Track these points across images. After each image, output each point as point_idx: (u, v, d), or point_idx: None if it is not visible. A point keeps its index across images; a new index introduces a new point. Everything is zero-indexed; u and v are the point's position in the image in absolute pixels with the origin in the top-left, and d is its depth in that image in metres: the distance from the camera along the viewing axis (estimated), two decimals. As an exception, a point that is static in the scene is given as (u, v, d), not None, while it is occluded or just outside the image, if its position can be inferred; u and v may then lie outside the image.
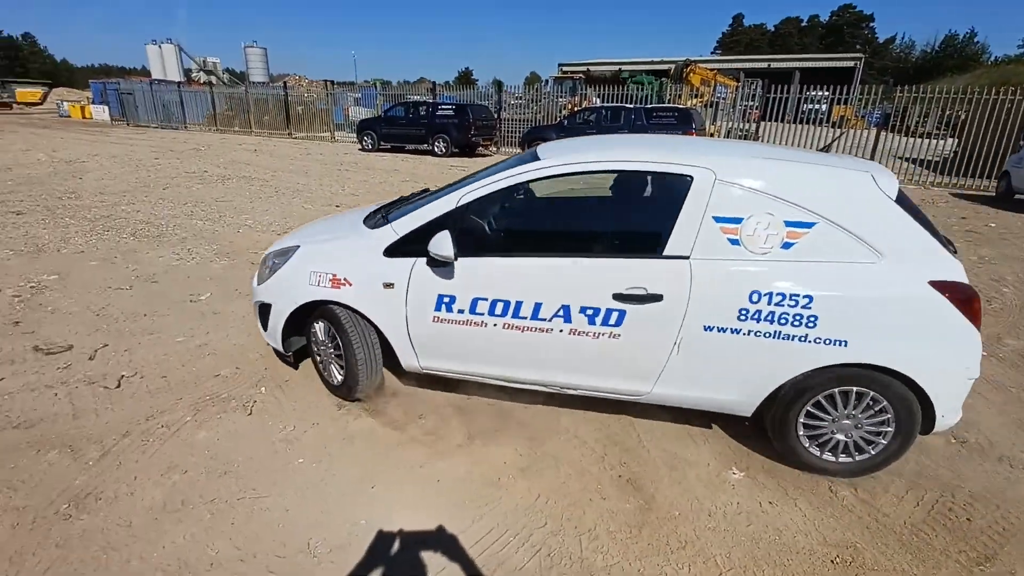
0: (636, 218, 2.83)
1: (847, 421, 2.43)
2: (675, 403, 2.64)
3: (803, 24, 78.76)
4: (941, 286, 2.21)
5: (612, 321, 2.45)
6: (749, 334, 2.34)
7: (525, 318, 2.55)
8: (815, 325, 2.27)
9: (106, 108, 30.08)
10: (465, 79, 67.97)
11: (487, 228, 2.87)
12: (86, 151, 15.37)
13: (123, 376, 3.27)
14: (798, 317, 2.28)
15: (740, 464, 2.63)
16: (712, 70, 19.77)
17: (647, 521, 2.25)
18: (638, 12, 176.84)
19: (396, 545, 2.10)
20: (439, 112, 16.57)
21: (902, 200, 2.34)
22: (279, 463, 2.54)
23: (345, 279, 2.78)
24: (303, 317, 3.00)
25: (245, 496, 2.32)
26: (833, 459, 2.51)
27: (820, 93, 14.32)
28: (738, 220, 2.32)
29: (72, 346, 3.66)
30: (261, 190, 9.89)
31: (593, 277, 2.47)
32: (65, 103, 33.10)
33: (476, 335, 2.65)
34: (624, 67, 25.77)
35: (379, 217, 3.05)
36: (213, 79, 51.15)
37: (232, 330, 3.96)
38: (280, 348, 3.12)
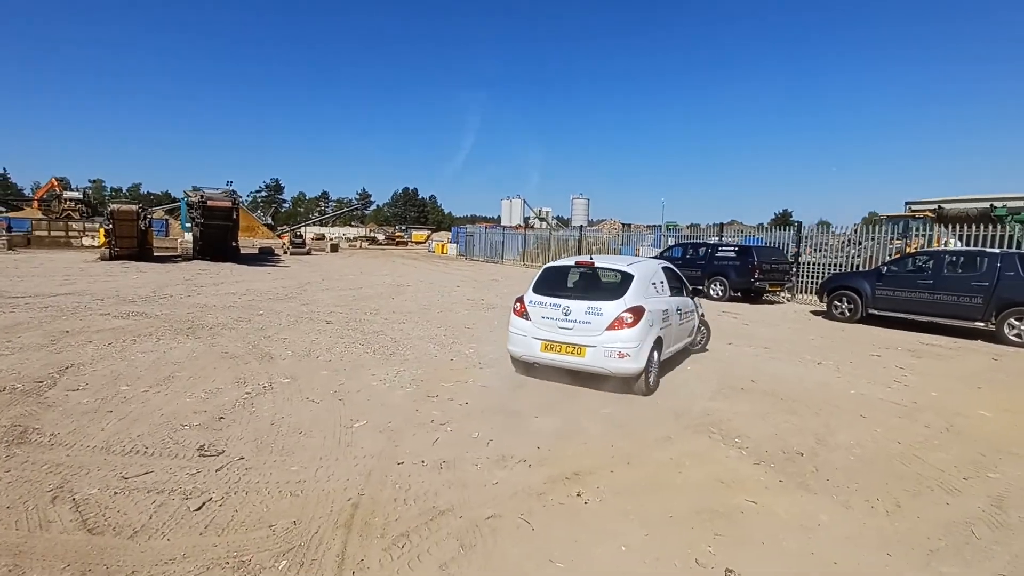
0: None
1: None
2: None
3: None
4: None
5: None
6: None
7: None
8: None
9: (456, 246, 38.78)
10: (783, 220, 63.70)
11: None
12: (418, 277, 19.54)
13: (210, 499, 3.19)
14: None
15: None
16: None
17: None
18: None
19: None
20: (719, 253, 15.29)
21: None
22: None
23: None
24: None
25: None
26: None
27: None
28: None
29: (224, 452, 3.90)
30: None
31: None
32: (433, 242, 44.11)
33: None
34: (1000, 202, 19.72)
35: None
36: (544, 224, 61.44)
37: (338, 471, 3.64)
38: None
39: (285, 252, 32.71)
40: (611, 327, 5.48)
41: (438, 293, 14.83)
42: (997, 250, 10.35)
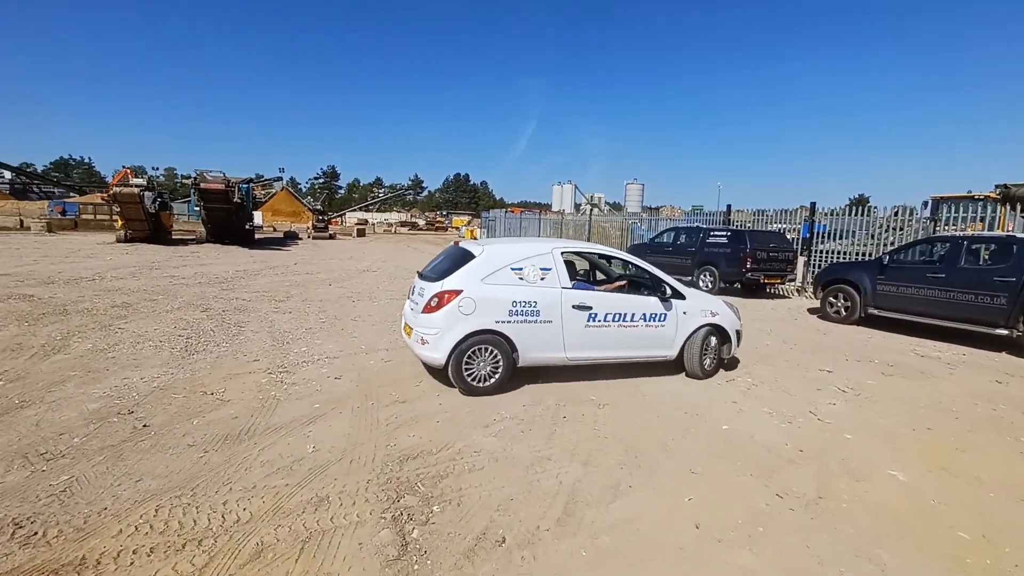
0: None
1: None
2: None
3: None
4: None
5: None
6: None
7: None
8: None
9: (484, 232, 37.69)
10: (861, 202, 57.57)
11: None
12: (399, 264, 18.56)
13: None
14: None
15: None
16: None
17: None
18: None
19: None
20: (710, 239, 13.10)
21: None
22: None
23: None
24: None
25: None
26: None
27: None
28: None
29: None
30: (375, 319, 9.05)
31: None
32: (463, 228, 43.24)
33: None
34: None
35: None
36: (595, 210, 59.00)
37: None
38: None
39: (309, 237, 32.95)
40: (423, 310, 4.95)
41: (386, 279, 13.76)
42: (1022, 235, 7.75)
